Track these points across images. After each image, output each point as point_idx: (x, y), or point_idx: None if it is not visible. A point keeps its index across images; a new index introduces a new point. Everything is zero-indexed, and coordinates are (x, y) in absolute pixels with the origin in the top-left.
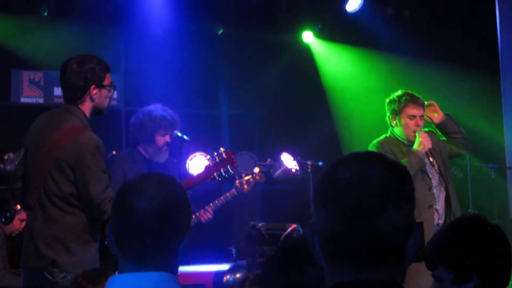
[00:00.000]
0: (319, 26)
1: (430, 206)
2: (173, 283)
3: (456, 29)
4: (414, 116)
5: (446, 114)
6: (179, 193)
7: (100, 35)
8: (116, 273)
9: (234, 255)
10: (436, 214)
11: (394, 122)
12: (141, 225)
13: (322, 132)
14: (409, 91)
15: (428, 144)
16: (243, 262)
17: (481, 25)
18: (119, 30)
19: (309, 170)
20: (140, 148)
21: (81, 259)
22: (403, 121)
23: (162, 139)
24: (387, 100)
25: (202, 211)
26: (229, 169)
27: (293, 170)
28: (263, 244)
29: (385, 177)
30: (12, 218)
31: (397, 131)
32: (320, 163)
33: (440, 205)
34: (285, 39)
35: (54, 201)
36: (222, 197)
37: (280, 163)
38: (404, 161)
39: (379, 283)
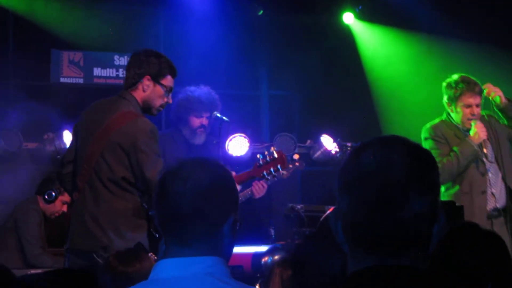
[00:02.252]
0: (360, 7)
1: (483, 192)
2: (223, 267)
3: (499, 9)
4: (470, 105)
5: (509, 99)
6: (220, 175)
7: (140, 16)
8: (151, 254)
9: (273, 236)
10: (492, 198)
11: (450, 108)
12: (180, 208)
13: (361, 113)
14: (466, 75)
15: (483, 135)
16: (281, 244)
17: None
18: (159, 10)
19: (348, 152)
20: (180, 128)
21: (133, 244)
22: (458, 109)
23: (197, 121)
24: (444, 83)
25: (254, 185)
26: (279, 168)
27: (333, 152)
28: (301, 226)
29: (408, 164)
30: (56, 197)
31: (454, 116)
32: (357, 145)
33: (496, 190)
34: (326, 20)
35: (106, 183)
36: (260, 182)
37: (320, 144)
38: (456, 149)
39: (402, 268)
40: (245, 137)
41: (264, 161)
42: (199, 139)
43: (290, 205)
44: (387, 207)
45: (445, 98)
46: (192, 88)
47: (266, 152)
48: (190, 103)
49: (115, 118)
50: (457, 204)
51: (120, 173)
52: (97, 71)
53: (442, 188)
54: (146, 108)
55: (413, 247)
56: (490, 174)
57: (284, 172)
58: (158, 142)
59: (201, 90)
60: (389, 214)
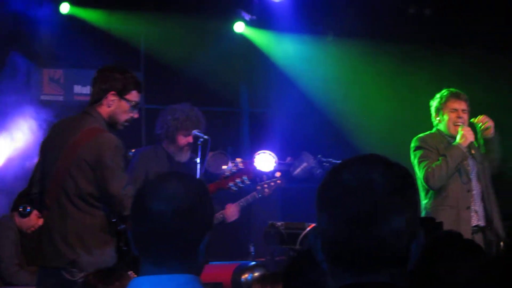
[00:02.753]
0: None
1: (468, 207)
2: (198, 284)
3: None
4: (456, 110)
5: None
6: (199, 192)
7: (121, 33)
8: (131, 273)
9: (253, 253)
10: (475, 215)
11: (438, 118)
12: (158, 226)
13: (341, 130)
14: (452, 89)
15: (470, 137)
16: (261, 261)
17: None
18: (140, 28)
19: (329, 168)
20: (164, 145)
21: (100, 259)
22: (445, 116)
23: (183, 140)
24: (430, 101)
25: (227, 207)
26: (245, 179)
27: (313, 169)
28: (281, 243)
29: (388, 181)
30: (31, 211)
31: (442, 127)
32: (335, 163)
33: (479, 207)
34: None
35: (73, 200)
36: (243, 199)
37: (300, 161)
38: (445, 154)
39: (380, 285)
40: (224, 155)
41: (230, 172)
42: (185, 157)
43: (270, 222)
44: (367, 224)
45: (433, 111)
46: (179, 106)
47: (232, 164)
48: (180, 121)
49: (81, 135)
50: (437, 220)
51: (87, 189)
52: (77, 89)
53: (428, 201)
54: (112, 123)
55: (392, 264)
56: (474, 191)
57: (267, 190)
58: (123, 156)
59: (188, 109)
60: (368, 231)
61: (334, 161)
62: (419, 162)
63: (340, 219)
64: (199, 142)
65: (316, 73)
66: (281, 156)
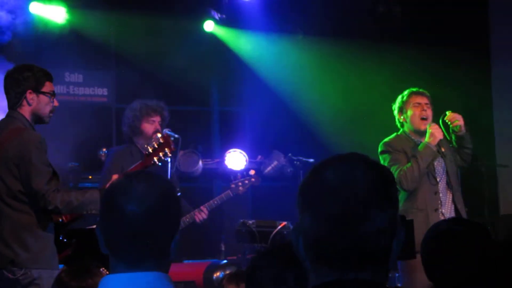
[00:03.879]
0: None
1: (436, 210)
2: (168, 282)
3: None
4: (419, 104)
5: (466, 129)
6: (168, 192)
7: (92, 33)
8: (103, 269)
9: (224, 251)
10: (442, 218)
11: (402, 118)
12: (131, 227)
13: (313, 128)
14: (413, 88)
15: (439, 135)
16: (233, 259)
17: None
18: (111, 28)
19: (299, 166)
20: (136, 142)
21: (39, 255)
22: (409, 112)
23: (150, 127)
24: (393, 105)
25: (197, 211)
26: (167, 152)
27: (284, 167)
28: (253, 242)
29: (369, 179)
30: None
31: (407, 127)
32: (311, 160)
33: (446, 209)
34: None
35: (5, 200)
36: (217, 198)
37: (271, 160)
38: (415, 154)
39: (362, 282)
40: (196, 153)
41: (152, 148)
42: None
43: (242, 220)
44: (350, 221)
45: (396, 113)
46: (135, 100)
47: (152, 140)
48: (138, 110)
49: (4, 136)
50: (407, 218)
51: (16, 186)
52: None
53: (400, 204)
54: (38, 119)
55: (374, 261)
56: (441, 194)
57: (241, 189)
58: (47, 152)
59: (142, 99)
60: (352, 229)
61: (304, 159)
62: (390, 166)
63: (323, 218)
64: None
65: (286, 71)
66: (251, 155)
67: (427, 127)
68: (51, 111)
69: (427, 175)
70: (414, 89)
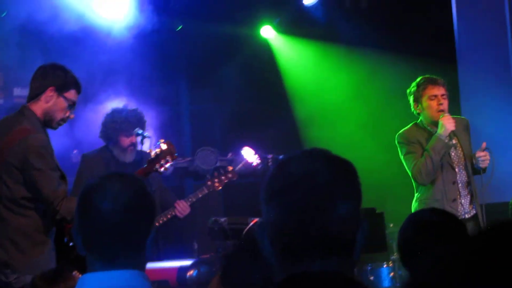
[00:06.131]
0: (278, 20)
1: (454, 200)
2: (144, 280)
3: (413, 19)
4: (435, 96)
5: None
6: (142, 191)
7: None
8: (75, 273)
9: (197, 250)
10: (460, 208)
11: (418, 108)
12: (107, 226)
13: (282, 126)
14: (428, 75)
15: (450, 127)
16: (206, 257)
17: (437, 13)
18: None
19: (269, 163)
20: (110, 147)
21: (34, 260)
22: (425, 104)
23: (126, 140)
24: (408, 91)
25: (175, 204)
26: (169, 160)
27: (254, 164)
28: (226, 239)
29: (330, 171)
30: None
31: (423, 117)
32: (281, 157)
33: (465, 199)
34: (244, 33)
35: (6, 204)
36: (192, 195)
37: (241, 157)
38: (427, 147)
39: (328, 273)
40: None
41: (155, 154)
42: (130, 157)
43: (214, 218)
44: (315, 211)
45: (411, 102)
46: (119, 108)
47: (155, 146)
48: (118, 123)
49: (8, 138)
50: (377, 211)
51: (19, 193)
52: (17, 91)
53: (420, 194)
54: (47, 121)
55: (339, 252)
56: (459, 184)
57: (218, 185)
58: (52, 156)
59: (127, 110)
60: (316, 219)
61: (275, 156)
62: (405, 160)
63: (288, 209)
64: (140, 141)
65: (256, 68)
66: (222, 152)
67: (440, 117)
68: (62, 119)
69: (443, 165)
70: (430, 77)
